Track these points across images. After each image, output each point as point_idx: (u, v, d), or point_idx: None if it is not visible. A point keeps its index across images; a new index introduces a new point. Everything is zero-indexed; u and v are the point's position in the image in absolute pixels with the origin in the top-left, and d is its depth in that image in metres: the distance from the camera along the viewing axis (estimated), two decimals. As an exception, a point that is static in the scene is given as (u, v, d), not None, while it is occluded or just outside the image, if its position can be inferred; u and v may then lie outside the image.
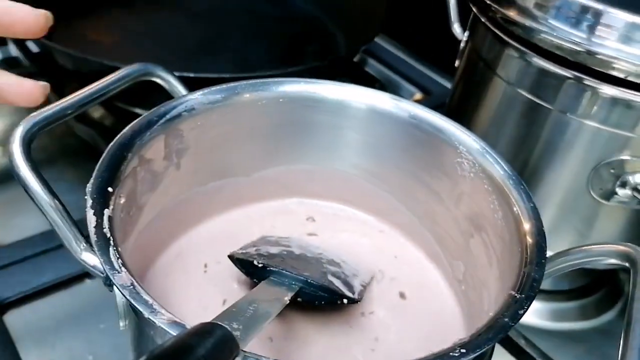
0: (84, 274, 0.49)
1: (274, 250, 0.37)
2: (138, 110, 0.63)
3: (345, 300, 0.35)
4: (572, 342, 0.52)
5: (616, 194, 0.44)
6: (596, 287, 0.56)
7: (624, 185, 0.43)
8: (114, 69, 0.39)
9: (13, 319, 0.47)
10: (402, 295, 0.40)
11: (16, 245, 0.50)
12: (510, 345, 0.47)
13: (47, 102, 0.37)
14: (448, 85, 0.80)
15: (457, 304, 0.40)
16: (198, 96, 0.38)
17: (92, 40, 0.71)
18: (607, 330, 0.53)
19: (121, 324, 0.32)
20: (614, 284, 0.58)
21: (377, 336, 0.37)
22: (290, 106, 0.40)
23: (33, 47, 0.70)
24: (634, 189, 0.42)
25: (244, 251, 0.37)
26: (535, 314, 0.53)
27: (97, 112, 0.64)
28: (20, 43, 0.72)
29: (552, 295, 0.55)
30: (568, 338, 0.52)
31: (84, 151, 0.64)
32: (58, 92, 0.66)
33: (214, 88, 0.38)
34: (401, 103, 0.39)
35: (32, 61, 0.69)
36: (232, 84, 0.39)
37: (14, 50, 0.73)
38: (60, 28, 0.71)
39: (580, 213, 0.46)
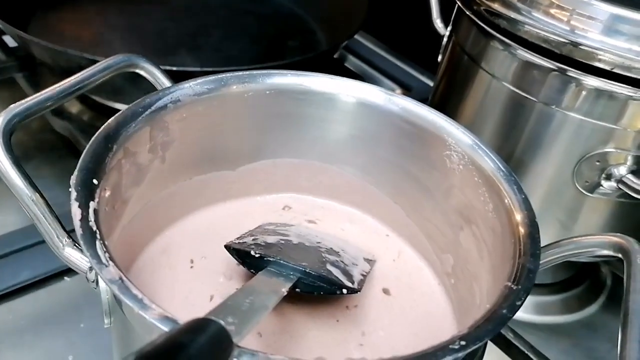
0: (63, 272, 0.48)
1: (271, 239, 0.36)
2: (117, 105, 0.61)
3: (344, 291, 0.34)
4: (556, 336, 0.52)
5: (601, 186, 0.44)
6: (579, 281, 0.57)
7: (608, 177, 0.43)
8: (94, 63, 0.38)
9: (-11, 318, 0.45)
10: (385, 291, 0.39)
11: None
12: (498, 339, 0.47)
13: (26, 97, 0.36)
14: (428, 81, 0.80)
15: (446, 298, 0.39)
16: (184, 87, 0.37)
17: (70, 35, 0.70)
18: (591, 323, 0.54)
19: (106, 321, 0.30)
20: (596, 278, 0.58)
21: (364, 331, 0.36)
22: (277, 99, 0.39)
23: (10, 42, 0.68)
24: (619, 181, 0.43)
25: (240, 241, 0.36)
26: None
27: (74, 107, 0.62)
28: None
29: (535, 288, 0.55)
30: (552, 331, 0.52)
31: (61, 147, 0.62)
32: (35, 86, 0.64)
33: (200, 80, 0.37)
34: (393, 97, 0.39)
35: (9, 55, 0.67)
36: (218, 76, 0.38)
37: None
38: (38, 22, 0.70)
39: (563, 205, 0.46)
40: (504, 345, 0.46)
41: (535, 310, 0.54)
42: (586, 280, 0.57)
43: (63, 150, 0.62)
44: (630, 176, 0.43)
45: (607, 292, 0.57)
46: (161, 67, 0.41)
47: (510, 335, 0.46)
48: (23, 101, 0.34)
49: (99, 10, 0.76)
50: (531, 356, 0.45)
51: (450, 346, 0.25)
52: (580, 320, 0.54)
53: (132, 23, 0.74)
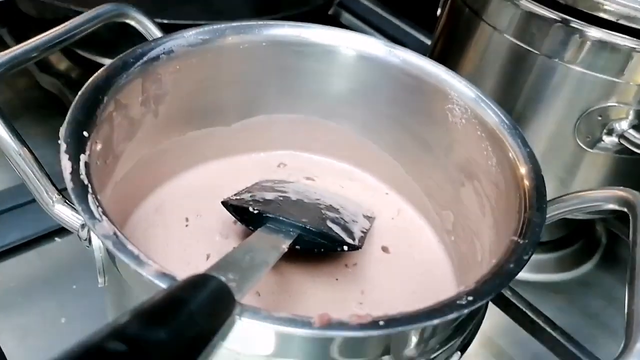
0: (54, 232, 0.47)
1: (269, 196, 0.35)
2: (106, 62, 0.59)
3: (345, 247, 0.33)
4: (552, 294, 0.52)
5: (602, 141, 0.43)
6: (574, 239, 0.57)
7: (610, 132, 0.42)
8: (82, 15, 0.36)
9: (-22, 280, 0.44)
10: (385, 249, 0.39)
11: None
12: (496, 297, 0.46)
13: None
14: (424, 39, 0.79)
15: (446, 255, 0.39)
16: (177, 38, 0.35)
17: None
18: (586, 281, 0.54)
19: (100, 280, 0.30)
20: (591, 236, 0.58)
21: (363, 289, 0.36)
22: (274, 51, 0.38)
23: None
24: (620, 136, 0.42)
25: (238, 197, 0.35)
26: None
27: (62, 64, 0.60)
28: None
29: (532, 247, 0.55)
30: (548, 289, 0.52)
31: (49, 105, 0.60)
32: (20, 41, 0.62)
33: (194, 30, 0.36)
34: (394, 49, 0.38)
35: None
36: (213, 26, 0.36)
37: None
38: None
39: (563, 160, 0.46)
40: (502, 303, 0.46)
41: (531, 268, 0.54)
42: (581, 239, 0.57)
43: (51, 109, 0.59)
44: (631, 131, 0.42)
45: (602, 250, 0.57)
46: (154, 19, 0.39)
47: (508, 293, 0.46)
48: (8, 51, 0.32)
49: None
50: (529, 314, 0.45)
51: (458, 302, 0.24)
52: (576, 278, 0.54)
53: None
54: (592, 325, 0.50)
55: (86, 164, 0.27)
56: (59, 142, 0.27)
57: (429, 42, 0.75)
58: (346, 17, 0.81)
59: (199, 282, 0.21)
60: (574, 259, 0.56)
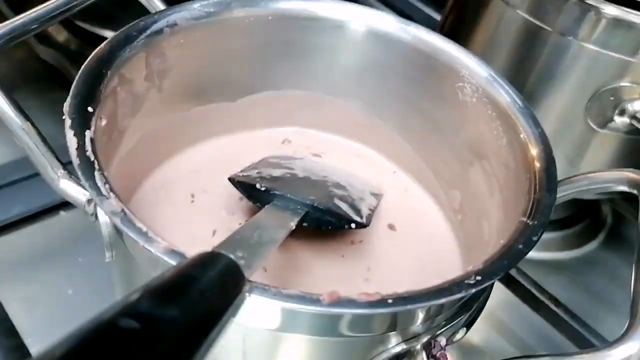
0: (58, 206, 0.47)
1: (276, 173, 0.35)
2: (106, 33, 0.58)
3: (353, 225, 0.33)
4: (556, 272, 0.52)
5: (613, 121, 0.43)
6: (579, 218, 0.57)
7: (622, 113, 0.42)
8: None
9: (-16, 253, 0.44)
10: (391, 227, 0.38)
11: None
12: (500, 275, 0.47)
13: (6, 18, 0.33)
14: (433, 14, 0.77)
15: (453, 234, 0.39)
16: (181, 10, 0.34)
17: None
18: (590, 260, 0.54)
19: (107, 255, 0.29)
20: (597, 215, 0.58)
21: (369, 266, 0.36)
22: (281, 25, 0.37)
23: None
24: (633, 116, 0.42)
25: (245, 174, 0.35)
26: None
27: (61, 35, 0.59)
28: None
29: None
30: (552, 267, 0.52)
31: (48, 77, 0.59)
32: (16, 10, 0.61)
33: (198, 3, 0.35)
34: (406, 25, 0.37)
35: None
36: (218, -2, 0.35)
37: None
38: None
39: (572, 140, 0.45)
40: (506, 280, 0.46)
41: (536, 246, 0.53)
42: (587, 218, 0.57)
43: (50, 81, 0.59)
44: (644, 112, 0.41)
45: (607, 230, 0.57)
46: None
47: (513, 271, 0.46)
48: (7, 22, 0.31)
49: None
50: (533, 291, 0.45)
51: (466, 281, 0.24)
52: (580, 256, 0.54)
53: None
54: (595, 303, 0.51)
55: (92, 140, 0.26)
56: (64, 117, 0.26)
57: (438, 17, 0.74)
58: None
59: (208, 259, 0.21)
60: (579, 238, 0.56)
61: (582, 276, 0.53)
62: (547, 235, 0.55)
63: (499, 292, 0.47)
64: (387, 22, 0.37)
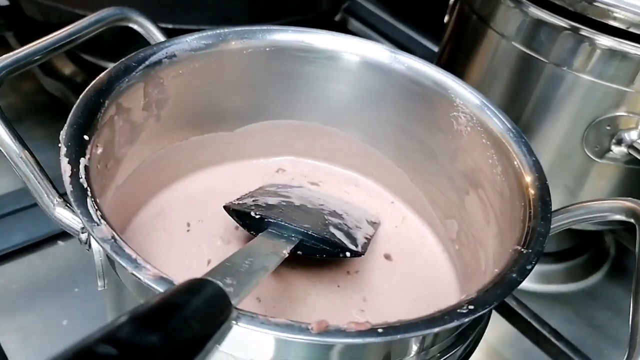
0: (56, 236, 0.47)
1: (272, 201, 0.35)
2: (111, 66, 0.59)
3: (347, 254, 0.33)
4: (560, 304, 0.51)
5: (610, 151, 0.43)
6: (583, 250, 0.56)
7: (619, 142, 0.42)
8: (86, 18, 0.36)
9: (-19, 283, 0.44)
10: (387, 257, 0.38)
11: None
12: (501, 307, 0.46)
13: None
14: (431, 46, 0.78)
15: (450, 264, 0.39)
16: (180, 42, 0.35)
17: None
18: (594, 292, 0.53)
19: (99, 283, 0.29)
20: (600, 247, 0.57)
21: (365, 296, 0.35)
22: (278, 56, 0.38)
23: (1, 1, 0.66)
24: (630, 146, 0.41)
25: (240, 202, 0.35)
26: (522, 276, 0.52)
27: (67, 68, 0.60)
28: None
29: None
30: (556, 300, 0.52)
31: (53, 109, 0.60)
32: (26, 44, 0.62)
33: (197, 35, 0.36)
34: (399, 55, 0.37)
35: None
36: (216, 31, 0.36)
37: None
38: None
39: (571, 171, 0.45)
40: (507, 313, 0.46)
41: (539, 279, 0.53)
42: (590, 249, 0.57)
43: (56, 112, 0.60)
44: (641, 141, 0.41)
45: (610, 261, 0.56)
46: (158, 24, 0.39)
47: (513, 304, 0.45)
48: (11, 53, 0.32)
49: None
50: (534, 324, 0.44)
51: (458, 310, 0.24)
52: (583, 289, 0.54)
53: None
54: (597, 337, 0.50)
55: (86, 168, 0.26)
56: (59, 145, 0.27)
57: (435, 48, 0.75)
58: (353, 23, 0.81)
59: (194, 286, 0.21)
60: (582, 270, 0.55)
61: (585, 309, 0.52)
62: (549, 267, 0.54)
63: (500, 325, 0.46)
64: (381, 53, 0.38)
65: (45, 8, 0.53)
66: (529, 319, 0.44)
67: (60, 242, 0.47)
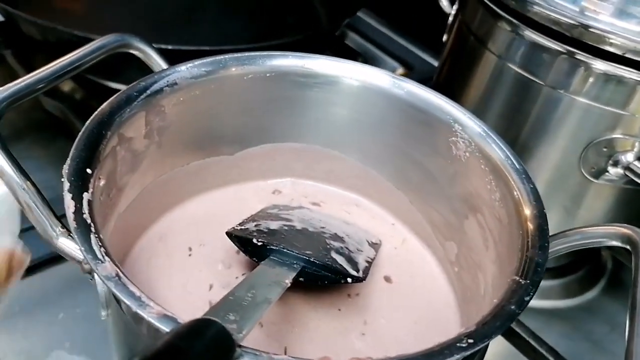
0: (58, 257, 0.46)
1: (274, 225, 0.35)
2: (110, 84, 0.60)
3: (349, 280, 0.34)
4: (557, 320, 0.52)
5: (607, 172, 0.43)
6: (579, 265, 0.56)
7: (615, 164, 0.42)
8: (85, 40, 0.37)
9: (-17, 304, 0.44)
10: (387, 279, 0.39)
11: (-16, 227, 0.48)
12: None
13: (14, 74, 0.35)
14: (430, 60, 0.79)
15: (449, 286, 0.39)
16: (180, 70, 0.35)
17: (60, 8, 0.67)
18: (591, 308, 0.54)
19: (102, 313, 0.30)
20: (597, 262, 0.58)
21: (366, 320, 0.36)
22: (278, 81, 0.38)
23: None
24: (626, 168, 0.42)
25: (242, 227, 0.35)
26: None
27: (66, 86, 0.61)
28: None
29: (536, 273, 0.54)
30: (553, 316, 0.52)
31: (53, 126, 0.61)
32: (24, 63, 0.63)
33: (197, 62, 0.36)
34: (398, 80, 0.38)
35: (-4, 31, 0.65)
36: (217, 57, 0.36)
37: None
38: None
39: (568, 191, 0.46)
40: (505, 331, 0.46)
41: (536, 294, 0.53)
42: (587, 265, 0.57)
43: (55, 130, 0.60)
44: (637, 163, 0.42)
45: (607, 277, 0.57)
46: (156, 45, 0.39)
47: (511, 322, 0.46)
48: (12, 84, 0.32)
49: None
50: (531, 342, 0.45)
51: (458, 344, 0.24)
52: (580, 304, 0.54)
53: (125, -3, 0.72)
54: (595, 352, 0.50)
55: (89, 202, 0.27)
56: (62, 180, 0.27)
57: (435, 62, 0.76)
58: (352, 37, 0.82)
59: (198, 328, 0.22)
60: (579, 286, 0.56)
61: (582, 324, 0.52)
62: (547, 283, 0.55)
63: (498, 344, 0.47)
64: (380, 78, 0.38)
65: (44, 28, 0.53)
66: (526, 337, 0.45)
67: (62, 264, 0.47)
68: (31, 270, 0.46)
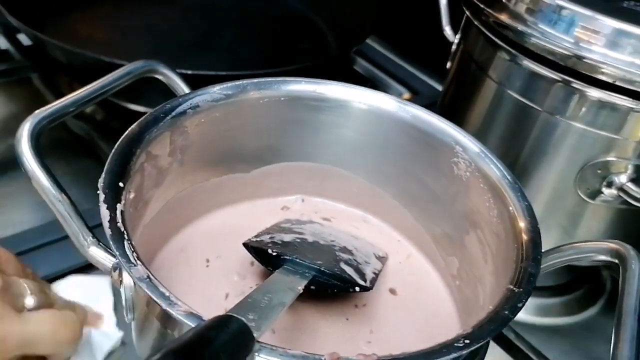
0: (81, 269, 0.49)
1: (287, 238, 0.38)
2: (131, 106, 0.63)
3: (357, 288, 0.36)
4: (557, 337, 0.53)
5: (602, 193, 0.45)
6: (579, 284, 0.58)
7: (609, 185, 0.45)
8: (110, 64, 0.40)
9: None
10: (392, 292, 0.41)
11: (11, 239, 0.50)
12: (500, 339, 0.48)
13: (40, 96, 0.37)
14: (435, 85, 0.82)
15: (451, 299, 0.41)
16: (203, 94, 0.38)
17: (84, 35, 0.71)
18: (591, 325, 0.55)
19: (129, 316, 0.32)
20: (597, 281, 0.59)
21: (372, 329, 0.38)
22: (292, 105, 0.41)
23: (25, 40, 0.70)
24: (620, 189, 0.44)
25: (258, 239, 0.38)
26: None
27: (89, 108, 0.64)
28: (11, 36, 0.71)
29: (537, 291, 0.56)
30: (553, 333, 0.54)
31: (75, 146, 0.63)
32: (50, 85, 0.66)
33: (218, 86, 0.39)
34: (404, 105, 0.41)
35: (24, 55, 0.69)
36: (236, 82, 0.40)
37: (4, 44, 0.72)
38: (52, 22, 0.71)
39: (566, 211, 0.48)
40: (506, 345, 0.48)
41: (537, 311, 0.55)
42: (586, 284, 0.59)
43: (78, 150, 0.63)
44: (630, 184, 0.44)
45: (606, 296, 0.58)
46: (178, 70, 0.42)
47: (512, 336, 0.47)
48: (48, 106, 0.35)
49: (111, 10, 0.77)
50: (532, 356, 0.46)
51: (455, 344, 0.26)
52: (580, 322, 0.56)
53: (145, 23, 0.75)
54: (595, 369, 0.52)
55: (122, 212, 0.29)
56: (98, 192, 0.30)
57: (439, 88, 0.79)
58: (361, 63, 0.85)
59: (222, 322, 0.24)
60: (578, 304, 0.57)
61: (582, 341, 0.54)
62: (547, 301, 0.57)
63: (498, 357, 0.48)
64: (387, 102, 0.41)
65: (71, 54, 0.57)
66: (526, 351, 0.47)
67: (84, 275, 0.50)
68: (55, 281, 0.49)
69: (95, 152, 0.60)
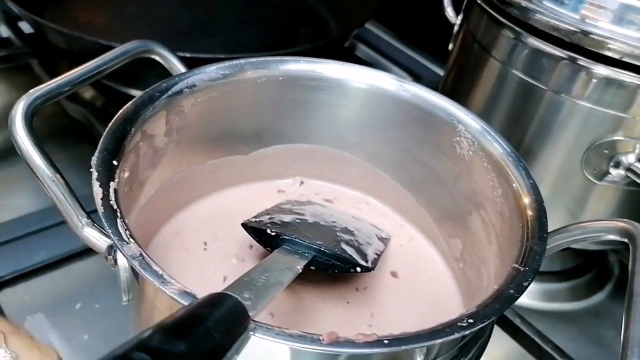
0: (78, 254, 0.49)
1: (287, 218, 0.37)
2: (129, 91, 0.62)
3: (358, 269, 0.35)
4: (564, 322, 0.52)
5: (609, 173, 0.44)
6: (586, 269, 0.57)
7: (617, 165, 0.44)
8: (109, 48, 0.39)
9: (6, 298, 0.46)
10: (394, 275, 0.40)
11: (9, 224, 0.50)
12: (506, 324, 0.47)
13: (40, 82, 0.37)
14: (438, 70, 0.81)
15: (454, 281, 0.40)
16: (199, 73, 0.38)
17: (83, 21, 0.70)
18: (598, 311, 0.54)
19: (124, 298, 0.31)
20: (604, 266, 0.59)
21: (373, 312, 0.37)
22: (290, 85, 0.40)
23: (26, 28, 0.69)
24: (627, 169, 0.43)
25: (257, 219, 0.37)
26: (527, 294, 0.52)
27: (88, 93, 0.63)
28: (12, 23, 0.71)
29: (543, 276, 0.55)
30: (560, 318, 0.53)
31: (74, 132, 0.63)
32: (49, 71, 0.65)
33: (215, 65, 0.38)
34: (404, 83, 0.40)
35: (24, 42, 0.68)
36: (233, 62, 0.39)
37: (5, 31, 0.72)
38: (52, 9, 0.71)
39: (572, 192, 0.47)
40: (512, 330, 0.47)
41: (543, 297, 0.55)
42: (594, 269, 0.58)
43: (76, 135, 0.62)
44: (638, 164, 0.43)
45: (614, 281, 0.58)
46: (177, 54, 0.41)
47: (517, 321, 0.47)
48: (43, 85, 0.34)
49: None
50: (538, 341, 0.46)
51: (459, 323, 0.26)
52: (587, 307, 0.55)
53: (144, 9, 0.75)
54: (602, 355, 0.51)
55: (115, 191, 0.29)
56: (91, 170, 0.29)
57: (441, 72, 0.78)
58: (362, 48, 0.84)
59: (216, 300, 0.23)
60: (586, 289, 0.56)
61: (590, 327, 0.53)
62: (553, 286, 0.56)
63: (504, 342, 0.48)
64: (387, 81, 0.40)
65: (71, 38, 0.56)
66: (533, 337, 0.46)
67: (81, 260, 0.49)
68: (52, 267, 0.48)
69: (94, 138, 0.60)
